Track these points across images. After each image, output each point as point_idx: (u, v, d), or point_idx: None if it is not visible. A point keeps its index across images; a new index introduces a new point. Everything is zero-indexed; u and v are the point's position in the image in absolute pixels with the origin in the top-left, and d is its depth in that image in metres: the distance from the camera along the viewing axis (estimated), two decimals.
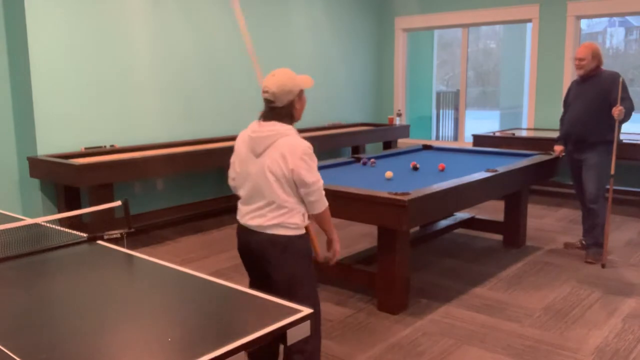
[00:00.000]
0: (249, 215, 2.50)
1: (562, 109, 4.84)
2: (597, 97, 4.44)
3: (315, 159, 2.46)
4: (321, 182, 2.46)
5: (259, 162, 2.43)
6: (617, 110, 4.26)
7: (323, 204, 2.49)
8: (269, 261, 2.47)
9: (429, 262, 4.59)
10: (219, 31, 6.25)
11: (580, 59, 4.43)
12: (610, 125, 4.41)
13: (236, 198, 2.62)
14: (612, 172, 4.43)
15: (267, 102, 2.46)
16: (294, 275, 2.47)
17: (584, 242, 4.78)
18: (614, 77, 4.42)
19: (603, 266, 4.41)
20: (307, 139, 2.49)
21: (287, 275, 2.46)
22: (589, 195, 4.52)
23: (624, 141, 5.70)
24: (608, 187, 4.51)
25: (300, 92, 2.49)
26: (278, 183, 2.40)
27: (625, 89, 4.38)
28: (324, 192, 2.49)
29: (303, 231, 2.51)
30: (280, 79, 2.43)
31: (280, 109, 2.44)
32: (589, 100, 4.48)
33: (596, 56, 4.44)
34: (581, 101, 4.53)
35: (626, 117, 4.37)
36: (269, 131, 2.42)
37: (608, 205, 4.45)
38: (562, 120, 4.83)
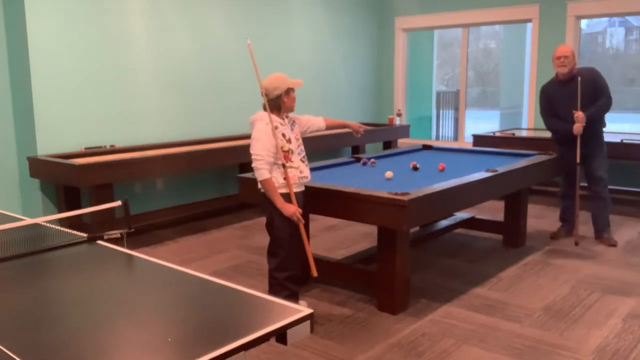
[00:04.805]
0: None
1: (543, 118, 4.92)
2: (587, 93, 4.62)
3: (264, 136, 3.18)
4: (259, 156, 3.18)
5: None
6: (581, 118, 4.55)
7: (258, 175, 3.22)
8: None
9: (429, 262, 4.59)
10: (218, 31, 6.25)
11: (566, 57, 4.63)
12: (600, 118, 4.75)
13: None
14: (578, 160, 4.77)
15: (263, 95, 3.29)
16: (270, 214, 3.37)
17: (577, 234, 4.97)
18: (593, 71, 4.69)
19: (577, 244, 4.74)
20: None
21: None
22: (600, 182, 4.82)
23: (624, 141, 5.71)
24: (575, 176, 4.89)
25: (288, 90, 3.28)
26: None
27: (604, 86, 4.62)
28: (259, 166, 3.18)
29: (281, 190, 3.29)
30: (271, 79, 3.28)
31: (269, 101, 3.29)
32: (580, 98, 4.60)
33: (574, 55, 4.72)
34: (572, 101, 4.65)
35: (597, 115, 4.64)
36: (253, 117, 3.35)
37: (576, 191, 4.84)
38: (549, 126, 4.93)
